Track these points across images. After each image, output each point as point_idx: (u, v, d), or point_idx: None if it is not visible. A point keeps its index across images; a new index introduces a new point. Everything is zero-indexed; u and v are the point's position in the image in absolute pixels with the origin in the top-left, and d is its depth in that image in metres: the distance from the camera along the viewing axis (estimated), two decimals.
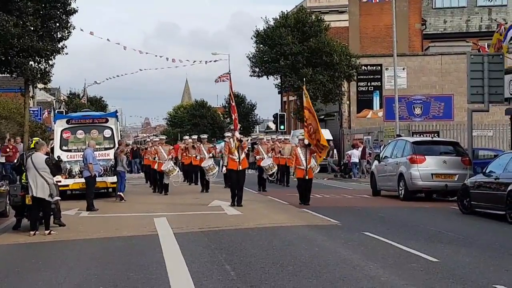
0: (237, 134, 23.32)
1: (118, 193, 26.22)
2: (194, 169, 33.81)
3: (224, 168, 24.59)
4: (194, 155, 33.05)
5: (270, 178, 31.30)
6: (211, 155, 30.84)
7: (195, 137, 35.51)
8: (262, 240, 15.81)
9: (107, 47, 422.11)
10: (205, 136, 34.96)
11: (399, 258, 13.33)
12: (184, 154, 35.26)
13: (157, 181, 30.91)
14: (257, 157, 32.37)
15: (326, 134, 47.83)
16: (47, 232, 17.31)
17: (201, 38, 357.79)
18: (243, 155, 23.38)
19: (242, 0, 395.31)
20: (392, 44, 42.93)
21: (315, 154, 23.67)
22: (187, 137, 37.80)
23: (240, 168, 23.21)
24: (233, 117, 24.57)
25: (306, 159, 23.44)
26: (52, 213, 18.57)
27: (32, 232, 17.19)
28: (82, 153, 24.58)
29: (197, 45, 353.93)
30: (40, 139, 20.90)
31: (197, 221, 19.48)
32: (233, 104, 25.77)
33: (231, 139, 23.47)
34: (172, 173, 28.71)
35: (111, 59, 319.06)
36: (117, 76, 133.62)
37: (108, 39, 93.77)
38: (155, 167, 30.29)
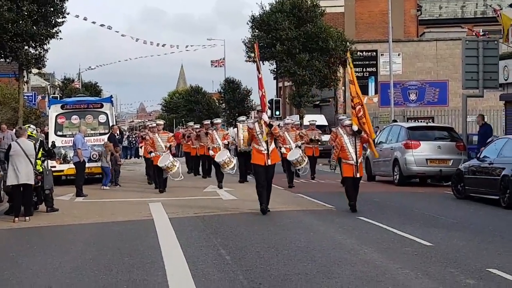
0: (265, 116, 17.41)
1: (102, 187, 25.89)
2: (204, 159, 30.19)
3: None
4: (206, 144, 28.40)
5: (299, 172, 26.36)
6: (226, 142, 26.15)
7: (208, 122, 31.13)
8: (257, 224, 15.84)
9: (95, 33, 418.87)
10: (219, 120, 28.87)
11: (393, 242, 13.36)
12: (190, 143, 32.76)
13: (155, 176, 25.80)
14: (283, 147, 25.36)
15: (321, 119, 47.81)
16: (27, 218, 17.17)
17: (188, 23, 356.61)
18: (273, 145, 17.75)
19: None
20: (388, 30, 42.87)
21: (367, 145, 18.91)
22: (191, 123, 36.65)
23: (269, 163, 17.53)
24: (260, 94, 18.28)
25: (356, 152, 17.74)
26: (43, 199, 18.62)
27: (17, 219, 17.08)
28: (80, 136, 24.54)
29: (183, 30, 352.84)
30: (22, 126, 20.83)
31: (192, 206, 19.49)
32: (260, 76, 18.81)
33: (256, 124, 17.82)
34: (171, 170, 23.45)
35: (102, 45, 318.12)
36: (113, 63, 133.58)
37: (102, 25, 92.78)
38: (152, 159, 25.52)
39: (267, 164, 17.48)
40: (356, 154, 17.72)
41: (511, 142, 20.36)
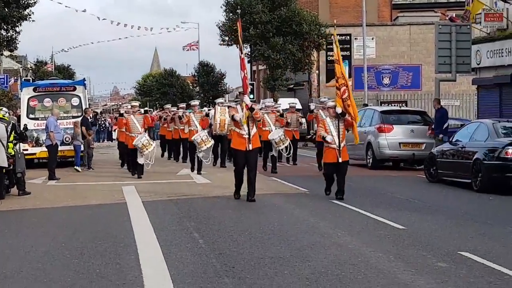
0: (246, 99, 16.79)
1: (75, 167, 25.86)
2: (180, 143, 29.79)
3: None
4: (181, 127, 28.01)
5: (284, 153, 25.48)
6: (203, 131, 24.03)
7: (183, 105, 30.66)
8: (231, 208, 15.84)
9: (68, 15, 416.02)
10: (196, 102, 27.18)
11: (366, 225, 13.41)
12: (165, 125, 32.03)
13: (129, 160, 24.91)
14: (263, 128, 24.13)
15: (283, 103, 47.90)
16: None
17: (161, 6, 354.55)
18: (254, 129, 16.84)
19: None
20: (362, 13, 42.93)
21: (350, 129, 17.60)
22: (169, 105, 35.72)
23: (250, 148, 16.61)
24: (242, 75, 17.36)
25: (339, 135, 16.81)
26: (15, 182, 18.48)
27: None
28: (53, 119, 24.35)
29: (157, 13, 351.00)
30: (3, 108, 20.66)
31: (165, 190, 19.45)
32: (243, 56, 18.20)
33: (238, 107, 17.15)
34: (146, 149, 22.65)
35: (75, 27, 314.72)
36: (86, 44, 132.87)
37: (76, 10, 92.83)
38: (126, 142, 24.83)
39: (247, 149, 16.55)
40: (339, 138, 16.78)
41: (483, 126, 20.50)
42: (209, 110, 27.04)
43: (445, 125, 25.46)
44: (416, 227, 13.21)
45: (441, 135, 25.26)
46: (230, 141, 25.92)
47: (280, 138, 23.56)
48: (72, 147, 26.72)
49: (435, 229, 13.04)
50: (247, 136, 16.58)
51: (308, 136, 46.96)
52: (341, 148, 16.75)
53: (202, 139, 22.98)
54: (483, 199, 17.66)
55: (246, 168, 16.76)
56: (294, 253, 10.69)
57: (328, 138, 16.85)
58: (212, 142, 23.55)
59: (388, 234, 12.38)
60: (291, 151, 25.60)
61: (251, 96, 47.50)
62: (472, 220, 14.26)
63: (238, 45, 18.77)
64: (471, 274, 9.40)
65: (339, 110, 16.80)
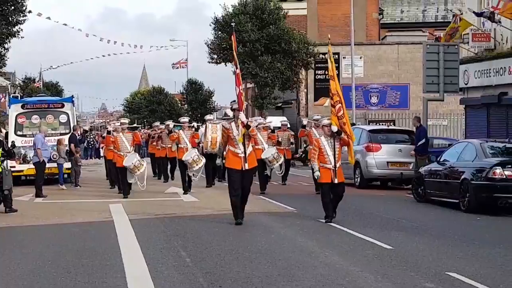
0: (242, 116, 15.76)
1: (59, 185, 25.59)
2: (167, 161, 29.03)
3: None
4: (169, 146, 27.53)
5: (277, 172, 24.67)
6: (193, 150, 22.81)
7: (169, 122, 29.19)
8: (218, 227, 15.79)
9: (57, 32, 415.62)
10: (186, 119, 25.48)
11: (354, 245, 13.40)
12: (154, 143, 30.84)
13: (117, 179, 23.90)
14: (256, 147, 21.05)
15: (274, 121, 47.86)
16: None
17: (148, 23, 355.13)
18: (250, 148, 15.89)
19: None
20: (350, 33, 43.11)
21: (347, 148, 16.74)
22: (157, 123, 34.92)
23: (246, 168, 15.70)
24: (237, 91, 16.41)
25: (335, 155, 15.98)
26: (2, 200, 18.41)
27: None
28: (41, 136, 24.27)
29: (144, 30, 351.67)
30: None
31: (153, 208, 19.40)
32: (238, 71, 16.98)
33: (233, 124, 15.90)
34: (138, 170, 21.70)
35: (63, 44, 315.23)
36: (75, 62, 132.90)
37: (65, 24, 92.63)
38: (115, 160, 23.41)
39: (243, 169, 15.61)
40: (335, 158, 15.94)
41: (471, 146, 20.57)
42: (198, 126, 26.45)
43: (420, 142, 25.46)
44: (403, 247, 13.21)
45: (412, 152, 25.33)
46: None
47: (273, 157, 22.73)
48: (66, 164, 26.75)
49: (422, 249, 13.04)
50: (243, 155, 15.64)
51: (296, 155, 46.95)
52: (336, 169, 15.96)
53: (193, 159, 21.80)
54: (471, 220, 17.69)
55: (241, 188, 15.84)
56: (281, 273, 10.67)
57: (316, 175, 16.52)
58: (204, 161, 22.34)
59: (376, 254, 12.38)
60: (284, 169, 25.31)
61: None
62: (459, 241, 14.27)
63: (233, 60, 17.95)
64: None
65: (334, 128, 16.03)
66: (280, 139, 26.04)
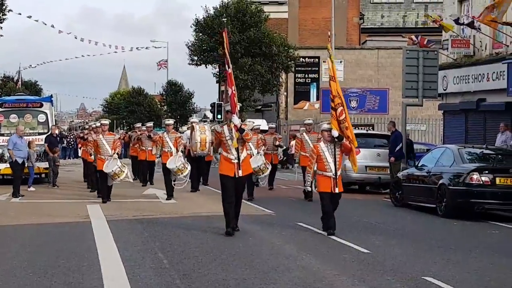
0: (235, 119, 14.48)
1: (28, 187, 24.95)
2: (149, 165, 27.94)
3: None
4: (149, 148, 26.97)
5: (260, 182, 22.85)
6: (180, 151, 21.94)
7: (150, 124, 29.27)
8: (196, 229, 15.78)
9: (35, 31, 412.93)
10: (171, 121, 24.36)
11: (331, 248, 13.43)
12: (136, 145, 29.16)
13: (97, 182, 22.81)
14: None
15: (263, 124, 47.83)
16: None
17: (127, 23, 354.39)
18: (244, 153, 14.85)
19: None
20: (331, 37, 43.17)
21: (348, 156, 15.45)
22: (139, 124, 33.14)
23: (240, 174, 14.58)
24: (230, 92, 15.27)
25: (336, 162, 14.77)
26: None
27: None
28: (21, 138, 24.08)
29: (123, 30, 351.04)
30: None
31: (131, 209, 19.36)
32: (230, 71, 15.60)
33: (225, 127, 14.74)
34: (119, 177, 20.70)
35: (42, 43, 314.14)
36: (54, 61, 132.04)
37: (45, 23, 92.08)
38: (94, 163, 22.26)
39: (237, 176, 14.49)
40: (335, 165, 14.71)
41: (449, 152, 20.67)
42: (183, 130, 25.57)
43: (398, 148, 25.62)
44: (380, 251, 13.25)
45: (392, 158, 25.45)
46: (208, 162, 25.06)
47: (259, 168, 21.07)
48: (44, 164, 26.91)
49: (399, 253, 13.10)
50: (236, 161, 14.48)
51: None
52: (337, 177, 14.78)
53: (178, 168, 20.90)
54: (448, 225, 17.78)
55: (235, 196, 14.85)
56: (258, 276, 10.68)
57: (306, 189, 16.06)
58: (189, 168, 21.41)
59: (353, 258, 12.40)
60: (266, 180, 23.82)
61: (219, 116, 47.63)
62: (436, 245, 14.33)
63: (225, 59, 16.17)
64: None
65: (335, 133, 14.76)
66: (276, 143, 25.71)
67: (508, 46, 28.91)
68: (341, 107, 14.93)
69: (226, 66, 15.70)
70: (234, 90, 15.01)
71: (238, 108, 14.93)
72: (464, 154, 20.15)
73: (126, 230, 15.47)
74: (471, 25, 28.97)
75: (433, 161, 20.91)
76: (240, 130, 14.34)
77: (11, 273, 10.78)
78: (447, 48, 32.33)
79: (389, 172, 25.50)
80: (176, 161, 21.04)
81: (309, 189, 15.84)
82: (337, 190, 14.79)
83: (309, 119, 25.00)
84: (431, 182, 20.06)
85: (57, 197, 23.12)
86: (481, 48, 31.16)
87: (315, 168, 15.01)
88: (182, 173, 21.03)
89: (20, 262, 11.70)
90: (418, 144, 36.34)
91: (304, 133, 23.02)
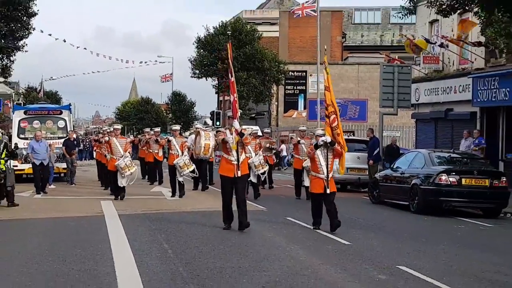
0: (236, 124, 14.17)
1: (48, 185, 24.31)
2: (157, 165, 27.37)
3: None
4: (156, 151, 26.73)
5: (262, 176, 22.57)
6: (185, 153, 21.60)
7: (157, 129, 28.98)
8: (197, 222, 15.76)
9: (55, 46, 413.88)
10: (177, 127, 23.72)
11: (316, 241, 13.42)
12: (145, 148, 28.56)
13: (110, 182, 22.12)
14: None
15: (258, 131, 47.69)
16: None
17: (136, 40, 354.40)
18: (243, 156, 14.33)
19: (171, 8, 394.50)
20: (316, 53, 43.18)
21: (338, 160, 15.10)
22: (148, 129, 32.96)
23: (239, 175, 14.10)
24: (232, 99, 14.78)
25: (328, 165, 14.42)
26: (5, 195, 18.26)
27: None
28: (40, 142, 23.98)
29: (132, 47, 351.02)
30: None
31: (140, 205, 19.32)
32: (233, 79, 15.23)
33: (227, 132, 14.45)
34: (129, 169, 20.39)
35: (61, 58, 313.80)
36: (72, 75, 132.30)
37: (64, 40, 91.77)
38: (107, 164, 22.13)
39: (236, 176, 14.06)
40: (327, 168, 14.37)
41: (420, 155, 20.72)
42: (189, 134, 25.23)
43: (375, 152, 25.72)
44: (360, 243, 13.26)
45: (371, 161, 25.50)
46: (211, 164, 24.52)
47: (260, 162, 21.20)
48: (63, 164, 26.76)
49: (376, 245, 13.10)
50: (236, 163, 14.06)
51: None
52: (329, 179, 14.44)
53: (184, 162, 20.88)
54: (419, 220, 17.80)
55: (234, 195, 14.43)
56: (252, 264, 10.68)
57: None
58: (194, 166, 21.30)
59: (335, 249, 12.41)
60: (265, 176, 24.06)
61: (217, 123, 47.59)
62: (409, 238, 14.35)
63: (229, 68, 15.70)
64: (407, 286, 9.45)
65: (328, 139, 14.46)
66: (268, 146, 25.15)
67: (472, 62, 29.00)
68: (334, 115, 14.73)
69: (230, 75, 15.36)
70: (235, 97, 14.63)
71: (239, 114, 14.67)
72: (434, 157, 20.20)
73: (135, 223, 15.44)
74: (440, 44, 29.05)
75: (406, 164, 20.95)
76: (240, 134, 14.05)
77: (33, 261, 10.77)
78: (419, 64, 32.42)
79: (367, 173, 25.57)
80: (183, 158, 20.96)
81: (307, 184, 15.44)
82: (328, 191, 14.41)
83: (303, 126, 25.19)
84: (404, 182, 20.09)
85: (74, 194, 23.06)
86: (449, 64, 31.25)
87: (308, 168, 14.66)
88: (188, 168, 20.92)
89: (41, 251, 11.70)
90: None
91: (300, 139, 22.96)
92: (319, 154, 14.51)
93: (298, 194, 22.20)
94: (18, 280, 9.42)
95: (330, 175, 14.48)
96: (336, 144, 14.52)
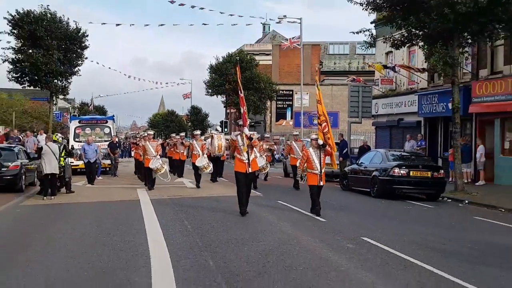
0: (246, 130, 13.97)
1: (96, 177, 24.08)
2: (181, 163, 26.38)
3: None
4: (182, 151, 25.88)
5: (261, 174, 22.09)
6: (205, 155, 20.90)
7: (183, 134, 28.58)
8: (210, 205, 15.77)
9: (101, 71, 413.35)
10: (198, 132, 23.00)
11: (300, 219, 13.43)
12: (172, 149, 27.72)
13: (145, 175, 21.68)
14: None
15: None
16: (53, 197, 16.85)
17: (163, 67, 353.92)
18: (253, 156, 14.02)
19: (189, 42, 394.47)
20: (300, 77, 43.23)
21: (330, 157, 14.52)
22: (174, 134, 32.85)
23: (250, 171, 13.85)
24: (242, 110, 14.42)
25: (320, 163, 14.10)
26: (62, 185, 18.27)
27: (46, 197, 16.75)
28: (90, 145, 23.93)
29: (160, 72, 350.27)
30: (51, 134, 20.36)
31: (166, 191, 19.31)
32: (242, 95, 14.90)
33: (239, 137, 14.04)
34: (160, 171, 20.04)
35: (106, 79, 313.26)
36: (116, 94, 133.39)
37: (109, 68, 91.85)
38: (143, 161, 21.74)
39: (248, 172, 13.73)
40: (320, 165, 14.04)
41: (379, 154, 20.75)
42: (206, 138, 25.06)
43: (344, 151, 25.86)
44: (333, 220, 13.27)
45: (341, 158, 25.52)
46: (222, 161, 24.02)
47: (262, 167, 20.42)
48: (108, 161, 26.76)
49: (346, 222, 13.12)
50: (247, 161, 13.67)
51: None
52: (321, 174, 14.10)
53: (204, 166, 20.27)
54: (378, 202, 17.82)
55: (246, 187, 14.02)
56: (251, 236, 10.69)
57: (298, 177, 14.77)
58: (211, 167, 20.63)
59: (315, 225, 12.43)
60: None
61: (225, 129, 47.57)
62: (370, 216, 14.37)
63: (238, 86, 15.11)
64: (369, 253, 9.47)
65: (320, 142, 14.15)
66: (268, 147, 24.25)
67: (418, 83, 29.04)
68: (325, 123, 14.30)
69: (239, 91, 14.97)
70: (245, 109, 14.33)
71: (248, 123, 14.41)
72: (389, 155, 20.23)
73: (163, 206, 15.45)
74: (394, 69, 29.11)
75: (368, 160, 20.98)
76: (250, 138, 13.82)
77: (86, 234, 10.79)
78: (378, 85, 32.47)
79: (339, 167, 25.55)
80: (203, 161, 20.46)
81: (300, 179, 15.29)
82: (321, 183, 14.13)
83: (296, 132, 25.41)
84: (367, 174, 20.12)
85: (117, 183, 23.05)
86: (400, 84, 31.29)
87: (305, 166, 14.41)
88: (206, 170, 20.43)
89: (92, 227, 11.72)
90: (358, 149, 36.33)
91: (293, 141, 22.88)
92: (313, 154, 14.15)
93: (297, 186, 21.18)
94: (73, 249, 9.44)
95: (323, 171, 14.11)
96: (327, 146, 14.18)
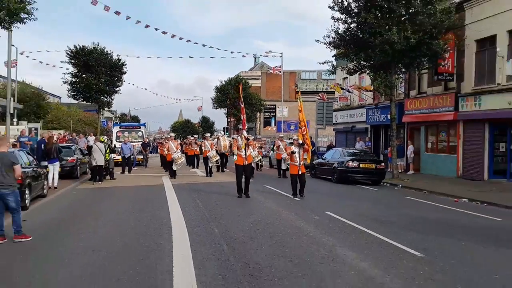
0: (245, 133, 13.90)
1: (132, 167, 23.56)
2: (196, 158, 25.51)
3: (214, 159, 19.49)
4: (195, 148, 25.35)
5: (259, 164, 21.62)
6: (213, 150, 20.87)
7: (196, 136, 28.77)
8: (218, 188, 15.70)
9: (134, 90, 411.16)
10: (208, 134, 23.33)
11: (281, 198, 13.35)
12: (188, 147, 26.81)
13: (169, 168, 20.73)
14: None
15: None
16: (100, 183, 16.77)
17: (181, 87, 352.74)
18: (249, 152, 13.77)
19: (200, 69, 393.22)
20: (281, 95, 43.20)
21: (307, 153, 14.09)
22: (189, 136, 32.91)
23: (246, 163, 13.63)
24: (242, 118, 14.44)
25: (300, 157, 13.89)
26: (107, 173, 18.14)
27: (95, 183, 16.66)
28: (126, 144, 23.72)
29: (179, 91, 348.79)
30: (98, 136, 20.16)
31: (184, 179, 19.20)
32: (242, 106, 14.83)
33: (239, 137, 13.98)
34: (179, 160, 19.95)
35: (138, 96, 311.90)
36: (147, 108, 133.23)
37: (140, 87, 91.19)
38: (166, 155, 21.42)
39: (245, 164, 13.58)
40: (299, 158, 13.79)
41: (338, 151, 20.73)
42: (213, 139, 24.98)
43: (312, 149, 25.46)
44: (305, 199, 13.23)
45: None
46: (227, 157, 23.64)
47: (256, 154, 19.54)
48: (141, 156, 26.49)
49: (314, 200, 13.08)
50: (244, 156, 13.58)
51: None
52: (300, 165, 13.80)
53: (213, 154, 20.45)
54: (337, 187, 17.80)
55: (243, 176, 13.75)
56: (245, 211, 10.67)
57: (284, 160, 14.44)
58: (218, 157, 20.78)
59: (291, 203, 12.39)
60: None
61: (227, 133, 47.46)
62: (331, 196, 14.35)
63: (239, 100, 14.99)
64: (330, 223, 9.48)
65: (300, 141, 13.97)
66: (259, 145, 24.61)
67: (366, 100, 29.09)
68: (304, 127, 14.13)
69: (241, 103, 14.92)
70: (244, 117, 14.36)
71: (246, 127, 14.42)
72: (345, 152, 20.24)
73: (181, 189, 15.37)
74: (348, 90, 29.17)
75: (330, 155, 20.98)
76: (247, 139, 13.76)
77: (121, 212, 10.71)
78: (337, 101, 32.51)
79: (309, 160, 25.47)
80: (212, 153, 20.66)
81: (284, 168, 14.91)
82: (300, 172, 13.76)
83: (281, 135, 25.36)
84: (329, 166, 20.11)
85: (147, 173, 22.88)
86: (353, 101, 31.33)
87: (288, 160, 13.97)
88: (213, 159, 20.38)
89: (126, 206, 11.63)
90: (323, 147, 36.38)
91: (279, 141, 22.72)
92: (296, 151, 13.92)
93: (280, 175, 21.26)
94: (113, 222, 9.39)
95: (302, 163, 13.88)
96: (305, 145, 13.98)
